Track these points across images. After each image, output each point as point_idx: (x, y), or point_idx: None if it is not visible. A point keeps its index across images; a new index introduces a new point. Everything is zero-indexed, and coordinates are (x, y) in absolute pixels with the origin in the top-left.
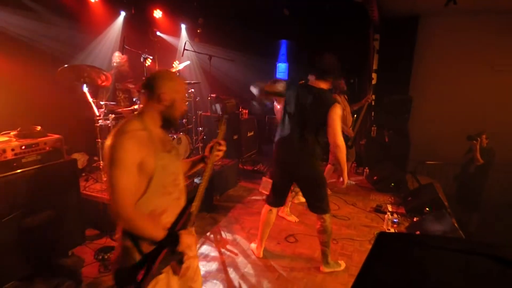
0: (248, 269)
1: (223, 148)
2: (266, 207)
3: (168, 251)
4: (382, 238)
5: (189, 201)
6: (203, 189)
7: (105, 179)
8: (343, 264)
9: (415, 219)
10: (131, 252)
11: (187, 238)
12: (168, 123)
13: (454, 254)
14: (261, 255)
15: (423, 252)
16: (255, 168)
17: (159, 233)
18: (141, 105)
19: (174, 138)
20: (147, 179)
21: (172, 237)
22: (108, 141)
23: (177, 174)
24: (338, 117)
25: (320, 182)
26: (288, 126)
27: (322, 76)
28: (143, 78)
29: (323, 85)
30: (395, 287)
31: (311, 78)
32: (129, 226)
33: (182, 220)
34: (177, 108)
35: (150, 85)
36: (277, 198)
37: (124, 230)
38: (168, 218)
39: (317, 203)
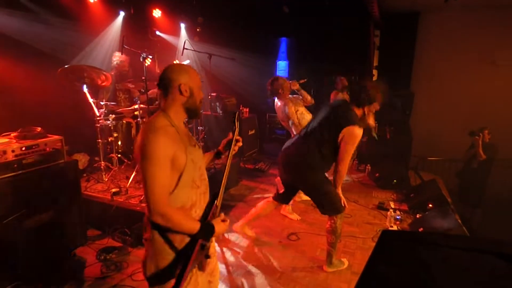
0: (250, 268)
1: (240, 143)
2: (270, 198)
3: (199, 245)
4: (385, 236)
5: (213, 195)
6: (225, 183)
7: (106, 179)
8: (346, 262)
9: (418, 216)
10: (165, 248)
11: (220, 226)
12: (193, 113)
13: (460, 252)
14: (242, 228)
15: (427, 250)
16: (256, 167)
17: (195, 226)
18: (161, 103)
19: None
20: (178, 174)
21: (207, 227)
22: (139, 138)
23: (203, 168)
24: (352, 140)
25: (320, 190)
26: (298, 135)
27: (358, 103)
28: (143, 78)
29: (356, 110)
30: (400, 286)
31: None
32: (166, 221)
33: (210, 214)
34: (196, 96)
35: (167, 81)
36: (283, 196)
37: (155, 227)
38: (197, 212)
39: (322, 208)
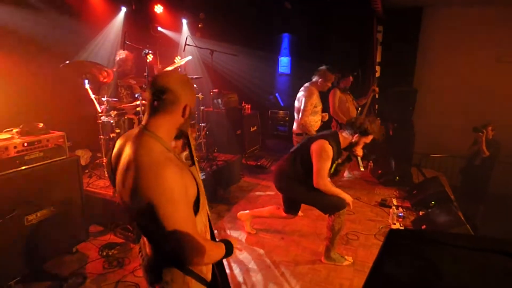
0: (252, 264)
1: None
2: (281, 209)
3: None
4: (393, 236)
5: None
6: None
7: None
8: (350, 260)
9: (421, 213)
10: (191, 285)
11: (235, 242)
12: (180, 135)
13: (470, 252)
14: (246, 220)
15: (436, 250)
16: (258, 163)
17: (222, 249)
18: (146, 118)
19: None
20: (193, 201)
21: (229, 246)
22: (140, 177)
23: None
24: (320, 154)
25: (309, 198)
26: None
27: (352, 129)
28: (145, 74)
29: (343, 135)
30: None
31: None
32: (204, 263)
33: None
34: (190, 117)
35: (172, 97)
36: (289, 208)
37: (175, 269)
38: (208, 231)
39: (320, 210)
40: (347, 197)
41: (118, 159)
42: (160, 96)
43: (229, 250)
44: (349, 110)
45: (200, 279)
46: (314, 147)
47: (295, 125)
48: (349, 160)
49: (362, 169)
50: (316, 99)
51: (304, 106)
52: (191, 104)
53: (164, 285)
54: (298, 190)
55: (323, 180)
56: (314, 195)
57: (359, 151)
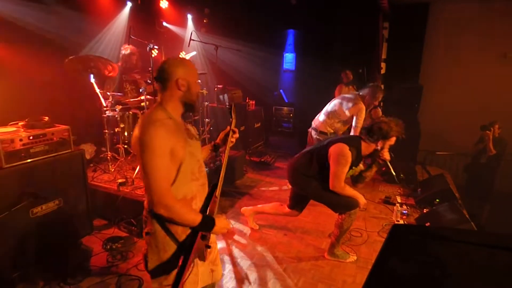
0: (255, 260)
1: (236, 135)
2: (285, 205)
3: (200, 236)
4: (397, 231)
5: (212, 186)
6: (223, 175)
7: (112, 169)
8: (354, 257)
9: (425, 210)
10: (167, 241)
11: (221, 221)
12: (189, 107)
13: (474, 247)
14: (250, 215)
15: (440, 245)
16: (262, 160)
17: (197, 217)
18: (158, 97)
19: None
20: (177, 166)
21: (208, 220)
22: (137, 132)
23: (201, 161)
24: (338, 159)
25: (319, 196)
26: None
27: (372, 137)
28: (149, 69)
29: (365, 144)
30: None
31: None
32: (169, 213)
33: (209, 206)
34: (193, 90)
35: (165, 75)
36: (295, 204)
37: (157, 220)
38: (198, 204)
39: (331, 208)
40: (362, 199)
41: None
42: (157, 77)
43: (207, 224)
44: None
45: (174, 239)
46: (333, 149)
47: (318, 123)
48: (377, 165)
49: (397, 180)
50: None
51: (358, 123)
52: (187, 77)
53: (144, 234)
54: (312, 188)
55: (339, 184)
56: (328, 194)
57: (386, 155)
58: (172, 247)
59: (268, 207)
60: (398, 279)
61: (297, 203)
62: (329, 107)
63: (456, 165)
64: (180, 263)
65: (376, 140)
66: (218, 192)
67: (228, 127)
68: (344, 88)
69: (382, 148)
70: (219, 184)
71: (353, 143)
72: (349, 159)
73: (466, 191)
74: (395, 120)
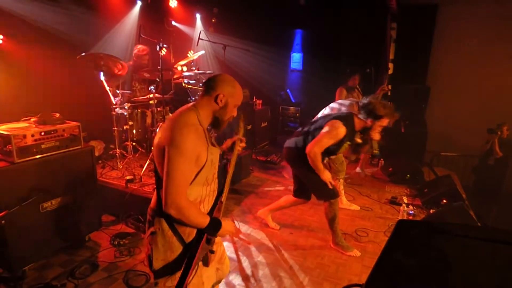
0: (261, 258)
1: (243, 144)
2: (291, 195)
3: (205, 239)
4: (402, 225)
5: (219, 192)
6: (230, 181)
7: (121, 166)
8: (357, 253)
9: (431, 211)
10: (173, 241)
11: (227, 224)
12: (217, 123)
13: (478, 242)
14: (266, 216)
15: (445, 240)
16: (268, 159)
17: (205, 220)
18: (197, 99)
19: None
20: (197, 171)
21: (215, 223)
22: (170, 129)
23: (217, 168)
24: (330, 131)
25: (308, 177)
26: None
27: (365, 113)
28: (158, 67)
29: (358, 119)
30: (417, 274)
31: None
32: (179, 214)
33: (215, 209)
34: (228, 111)
35: (212, 85)
36: (299, 191)
37: (165, 220)
38: (205, 208)
39: (315, 194)
40: (327, 175)
41: None
42: (206, 83)
43: (214, 226)
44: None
45: (181, 239)
46: (329, 123)
47: None
48: (368, 141)
49: (375, 152)
50: None
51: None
52: (229, 97)
53: (154, 232)
54: (303, 168)
55: (317, 149)
56: (314, 178)
57: (375, 135)
58: (178, 248)
59: (281, 202)
60: (403, 271)
61: (302, 191)
62: (325, 111)
63: (463, 166)
64: (184, 265)
65: (367, 118)
66: (224, 197)
67: (235, 136)
68: (345, 92)
69: (371, 128)
70: (225, 190)
71: (347, 119)
72: (340, 136)
73: (474, 193)
74: (390, 107)
